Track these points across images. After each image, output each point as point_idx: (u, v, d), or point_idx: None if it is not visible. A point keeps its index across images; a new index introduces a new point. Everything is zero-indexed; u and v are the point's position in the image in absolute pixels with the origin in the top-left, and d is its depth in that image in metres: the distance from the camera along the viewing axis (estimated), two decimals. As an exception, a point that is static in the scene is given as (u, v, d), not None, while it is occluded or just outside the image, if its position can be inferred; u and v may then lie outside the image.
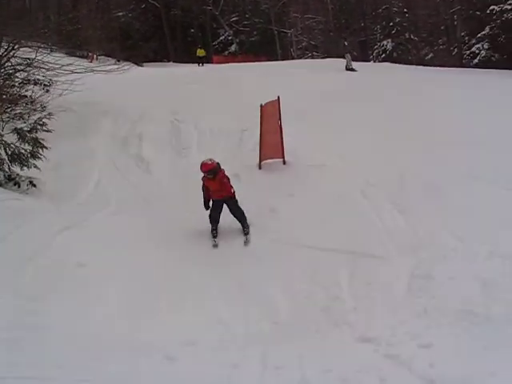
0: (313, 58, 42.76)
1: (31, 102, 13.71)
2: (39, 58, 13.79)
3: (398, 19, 38.82)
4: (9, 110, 12.96)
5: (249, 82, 17.89)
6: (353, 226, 8.68)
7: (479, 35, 31.55)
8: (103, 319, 6.63)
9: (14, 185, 11.01)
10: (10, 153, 11.12)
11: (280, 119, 11.57)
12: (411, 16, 40.45)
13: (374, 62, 38.04)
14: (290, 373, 5.21)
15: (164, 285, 7.53)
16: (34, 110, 13.40)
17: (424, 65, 32.15)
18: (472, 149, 10.97)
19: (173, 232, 9.18)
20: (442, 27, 41.72)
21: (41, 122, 11.63)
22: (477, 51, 31.43)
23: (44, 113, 12.56)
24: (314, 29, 49.39)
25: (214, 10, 46.70)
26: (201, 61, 34.65)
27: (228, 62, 33.02)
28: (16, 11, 13.98)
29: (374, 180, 10.22)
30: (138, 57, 30.64)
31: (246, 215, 9.33)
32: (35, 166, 11.18)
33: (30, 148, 11.32)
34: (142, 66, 31.16)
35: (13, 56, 13.51)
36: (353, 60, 26.69)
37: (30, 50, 14.00)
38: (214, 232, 9.28)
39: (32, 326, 6.18)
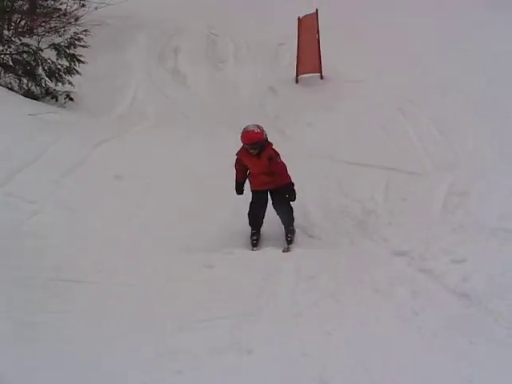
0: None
1: (65, 15, 13.57)
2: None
3: None
4: (43, 23, 12.91)
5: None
6: (390, 142, 8.59)
7: None
8: (140, 227, 6.83)
9: (52, 98, 11.09)
10: (46, 68, 11.15)
11: (318, 33, 11.30)
12: None
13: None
14: (324, 282, 5.31)
15: (200, 192, 7.65)
16: (69, 23, 13.30)
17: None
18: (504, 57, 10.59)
19: (209, 145, 9.20)
20: None
21: (77, 37, 11.58)
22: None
23: (79, 27, 12.48)
24: None
25: None
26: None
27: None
28: None
29: (413, 95, 9.99)
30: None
31: (293, 215, 7.00)
32: (70, 83, 11.20)
33: (67, 64, 11.34)
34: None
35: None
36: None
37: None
38: (255, 239, 6.90)
39: (72, 233, 6.39)
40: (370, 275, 5.44)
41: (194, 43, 13.60)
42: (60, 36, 12.40)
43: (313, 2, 12.31)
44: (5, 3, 11.45)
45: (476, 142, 8.17)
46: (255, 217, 6.92)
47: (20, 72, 11.01)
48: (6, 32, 11.42)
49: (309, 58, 11.39)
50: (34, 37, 12.09)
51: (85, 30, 11.97)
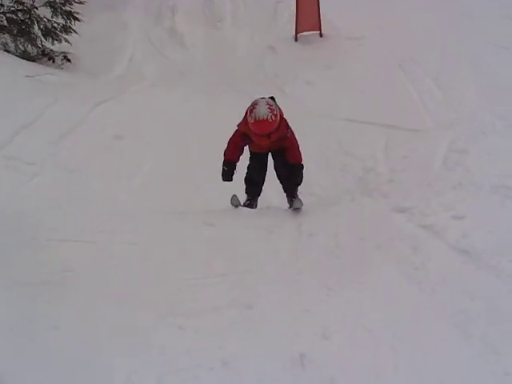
0: None
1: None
2: None
3: None
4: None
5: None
6: (390, 100, 8.57)
7: None
8: (140, 187, 6.85)
9: (49, 60, 11.02)
10: (42, 27, 11.02)
11: (317, -11, 11.14)
12: None
13: None
14: (325, 239, 5.32)
15: (199, 151, 7.66)
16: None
17: None
18: (502, 21, 10.59)
19: (208, 104, 9.14)
20: None
21: (72, -6, 11.42)
22: None
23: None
24: None
25: None
26: None
27: None
28: None
29: (414, 53, 9.93)
30: None
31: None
32: (66, 41, 11.09)
33: (63, 22, 11.19)
34: None
35: None
36: None
37: None
38: (248, 205, 6.12)
39: (72, 194, 6.41)
40: (371, 232, 5.44)
41: (191, 2, 13.40)
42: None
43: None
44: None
45: (475, 102, 8.18)
46: (254, 182, 6.11)
47: (15, 32, 10.87)
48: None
49: (308, 15, 11.25)
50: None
51: (80, -13, 11.81)
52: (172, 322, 3.95)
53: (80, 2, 11.45)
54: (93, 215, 5.77)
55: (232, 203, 6.03)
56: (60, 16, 11.23)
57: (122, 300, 4.22)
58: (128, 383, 3.44)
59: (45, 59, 11.05)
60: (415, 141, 7.44)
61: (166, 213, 6.10)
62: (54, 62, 11.02)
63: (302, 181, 6.05)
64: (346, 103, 8.66)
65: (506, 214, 5.48)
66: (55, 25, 11.11)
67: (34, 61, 10.81)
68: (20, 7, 10.88)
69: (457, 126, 7.65)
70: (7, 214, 5.58)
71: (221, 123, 8.23)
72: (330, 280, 4.58)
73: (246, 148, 6.07)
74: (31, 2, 11.07)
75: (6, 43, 10.89)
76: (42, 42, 11.11)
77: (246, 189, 6.22)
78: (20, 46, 10.97)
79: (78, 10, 11.39)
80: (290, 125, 5.91)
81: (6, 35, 10.90)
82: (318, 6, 11.18)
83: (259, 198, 6.40)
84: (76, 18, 11.31)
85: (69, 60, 11.05)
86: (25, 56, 10.79)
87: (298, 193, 6.27)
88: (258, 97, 5.87)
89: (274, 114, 5.52)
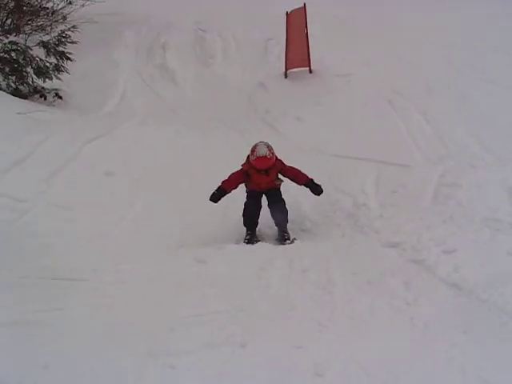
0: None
1: (52, 14, 13.52)
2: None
3: None
4: (30, 22, 12.84)
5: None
6: (379, 135, 8.62)
7: None
8: (131, 223, 6.86)
9: (41, 97, 11.07)
10: (35, 66, 11.11)
11: (306, 27, 11.30)
12: None
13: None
14: (317, 275, 5.32)
15: (190, 190, 7.67)
16: (56, 21, 13.26)
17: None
18: (489, 53, 10.82)
19: (199, 141, 9.19)
20: None
21: (65, 35, 11.54)
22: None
23: (67, 25, 12.44)
24: None
25: None
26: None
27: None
28: None
29: (401, 89, 10.05)
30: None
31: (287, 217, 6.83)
32: (58, 78, 11.18)
33: (55, 61, 11.30)
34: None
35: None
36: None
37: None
38: (249, 240, 6.69)
39: (64, 231, 6.39)
40: (362, 267, 5.46)
41: (182, 39, 13.55)
42: (47, 34, 12.35)
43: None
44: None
45: (464, 136, 8.27)
46: (251, 215, 6.71)
47: (7, 70, 10.95)
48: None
49: (297, 52, 11.39)
50: (21, 35, 12.04)
51: (73, 27, 11.96)
52: (164, 361, 3.92)
53: (73, 42, 11.56)
54: (84, 253, 5.77)
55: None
56: (53, 56, 11.32)
57: (113, 339, 4.20)
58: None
59: (36, 96, 11.09)
60: (405, 176, 7.49)
61: (157, 250, 6.10)
62: (45, 99, 11.06)
63: (322, 190, 6.82)
64: (335, 139, 8.72)
65: (496, 246, 5.53)
66: (47, 64, 11.20)
67: (25, 98, 10.86)
68: (14, 47, 10.97)
69: (446, 160, 7.73)
70: (-2, 252, 5.55)
71: (211, 159, 8.37)
72: (322, 316, 4.58)
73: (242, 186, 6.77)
74: (24, 43, 11.16)
75: (-2, 82, 10.97)
76: (33, 80, 11.18)
77: (245, 221, 6.77)
78: (12, 84, 11.02)
79: (69, 49, 11.48)
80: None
81: (-2, 74, 10.98)
82: (308, 44, 11.34)
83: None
84: (68, 58, 11.43)
85: (60, 97, 11.10)
86: (16, 93, 10.83)
87: (288, 229, 6.80)
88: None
89: (271, 153, 6.56)
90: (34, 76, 11.15)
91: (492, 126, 8.37)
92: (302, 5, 11.25)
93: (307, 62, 11.44)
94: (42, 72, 11.13)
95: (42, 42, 11.43)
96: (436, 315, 4.55)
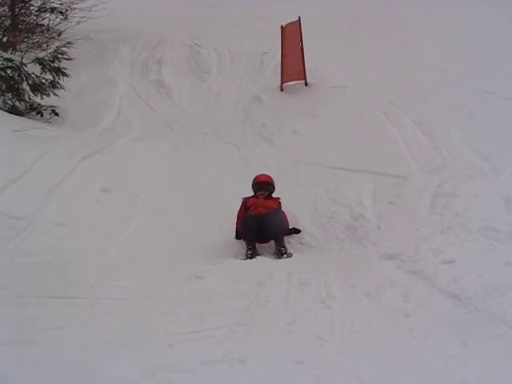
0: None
1: (48, 31, 13.58)
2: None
3: None
4: (26, 39, 12.89)
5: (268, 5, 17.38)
6: (375, 146, 8.66)
7: None
8: (128, 240, 6.84)
9: (37, 114, 11.09)
10: (31, 83, 11.14)
11: (301, 40, 11.37)
12: None
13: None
14: (316, 289, 5.30)
15: (187, 205, 7.68)
16: (52, 38, 13.31)
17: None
18: (481, 64, 10.94)
19: (196, 156, 9.21)
20: None
21: (60, 51, 11.57)
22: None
23: (62, 41, 12.48)
24: None
25: None
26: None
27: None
28: None
29: (397, 100, 10.09)
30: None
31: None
32: (55, 94, 11.21)
33: (51, 78, 11.33)
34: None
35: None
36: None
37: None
38: (251, 254, 6.60)
39: (61, 249, 6.36)
40: (361, 279, 5.43)
41: (177, 54, 13.63)
42: (43, 50, 12.40)
43: (296, 9, 12.43)
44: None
45: (460, 145, 8.29)
46: (250, 228, 6.72)
47: (4, 88, 10.97)
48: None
49: (293, 65, 11.46)
50: (17, 52, 12.07)
51: (68, 43, 12.00)
52: (163, 378, 3.88)
53: (68, 59, 11.59)
54: (82, 270, 5.75)
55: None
56: (48, 72, 11.35)
57: (111, 356, 4.15)
58: None
59: (33, 113, 11.10)
60: (402, 186, 7.50)
61: (154, 266, 6.08)
62: (42, 115, 11.07)
63: (300, 230, 7.03)
64: (332, 151, 8.74)
65: (494, 256, 5.50)
66: (43, 81, 11.22)
67: (22, 115, 10.87)
68: (9, 64, 10.98)
69: (443, 169, 7.74)
70: (-5, 271, 5.53)
71: (208, 174, 8.37)
72: (322, 330, 4.55)
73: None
74: (20, 60, 11.19)
75: (-6, 99, 10.98)
76: (29, 96, 11.20)
77: (243, 236, 6.83)
78: (8, 102, 11.04)
79: (65, 65, 11.52)
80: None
81: (-6, 91, 10.99)
82: (303, 57, 11.40)
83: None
84: (64, 74, 11.45)
85: (57, 114, 11.11)
86: (13, 111, 10.85)
87: (286, 243, 6.81)
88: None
89: (270, 177, 7.20)
90: (31, 93, 11.16)
91: (487, 135, 8.41)
92: (297, 18, 11.32)
93: (303, 75, 11.50)
94: (38, 88, 11.15)
95: (37, 58, 11.46)
96: (435, 326, 4.52)
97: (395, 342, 4.37)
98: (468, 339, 4.29)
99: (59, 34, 13.29)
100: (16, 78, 10.99)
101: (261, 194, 7.02)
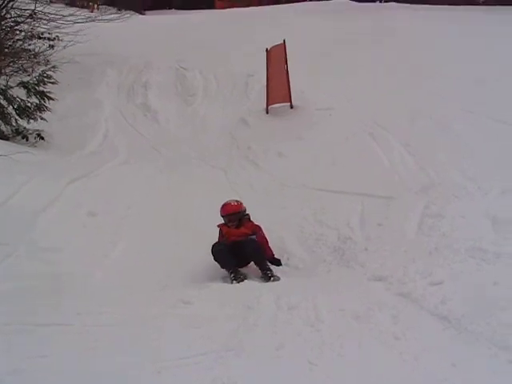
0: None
1: (34, 56, 13.59)
2: (39, 8, 13.53)
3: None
4: (11, 63, 12.88)
5: (253, 28, 17.53)
6: (362, 168, 8.68)
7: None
8: (115, 264, 6.79)
9: (22, 138, 11.07)
10: (16, 107, 11.12)
11: (286, 63, 11.44)
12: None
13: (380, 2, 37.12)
14: (304, 312, 5.27)
15: (174, 229, 7.69)
16: (38, 63, 13.31)
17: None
18: (469, 85, 10.99)
19: (182, 180, 9.20)
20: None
21: (45, 75, 11.58)
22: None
23: (48, 66, 12.49)
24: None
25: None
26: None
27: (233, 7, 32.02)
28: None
29: (383, 121, 10.15)
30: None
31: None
32: (42, 118, 11.20)
33: (37, 101, 11.32)
34: (143, 14, 30.53)
35: (12, 7, 13.25)
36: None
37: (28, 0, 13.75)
38: (234, 275, 6.56)
39: (48, 275, 6.30)
40: (350, 302, 5.42)
41: (163, 78, 13.70)
42: (29, 75, 12.39)
43: (280, 32, 12.53)
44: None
45: (446, 166, 8.32)
46: (221, 253, 6.66)
47: (-11, 112, 10.96)
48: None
49: (278, 88, 11.51)
50: (3, 77, 12.06)
51: (53, 67, 12.01)
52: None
53: (54, 82, 11.60)
54: (68, 297, 5.69)
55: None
56: (34, 96, 11.34)
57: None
58: None
59: (18, 138, 11.08)
60: (389, 208, 7.52)
61: (141, 291, 6.03)
62: (27, 140, 11.04)
63: (281, 264, 6.92)
64: (319, 173, 8.76)
65: (482, 277, 5.51)
66: (29, 104, 11.21)
67: (7, 139, 10.83)
68: (-6, 88, 10.99)
69: (430, 190, 7.77)
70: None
71: (195, 198, 8.34)
72: (311, 354, 4.51)
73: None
74: (5, 83, 11.17)
75: (-21, 123, 10.94)
76: (16, 120, 11.19)
77: (219, 263, 6.71)
78: (-7, 126, 11.01)
79: (51, 89, 11.52)
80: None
81: (-20, 116, 10.97)
82: (288, 79, 11.46)
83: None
84: (49, 98, 11.46)
85: (42, 138, 11.09)
86: (-1, 135, 10.83)
87: (270, 266, 6.75)
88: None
89: (237, 202, 7.04)
90: (17, 117, 11.15)
91: (473, 156, 8.45)
92: (282, 41, 11.41)
93: (288, 98, 11.55)
94: (24, 112, 11.14)
95: (22, 82, 11.46)
96: (425, 349, 4.50)
97: (385, 366, 4.35)
98: (458, 361, 4.28)
99: (47, 62, 13.26)
100: (1, 101, 10.97)
101: (232, 225, 6.92)
